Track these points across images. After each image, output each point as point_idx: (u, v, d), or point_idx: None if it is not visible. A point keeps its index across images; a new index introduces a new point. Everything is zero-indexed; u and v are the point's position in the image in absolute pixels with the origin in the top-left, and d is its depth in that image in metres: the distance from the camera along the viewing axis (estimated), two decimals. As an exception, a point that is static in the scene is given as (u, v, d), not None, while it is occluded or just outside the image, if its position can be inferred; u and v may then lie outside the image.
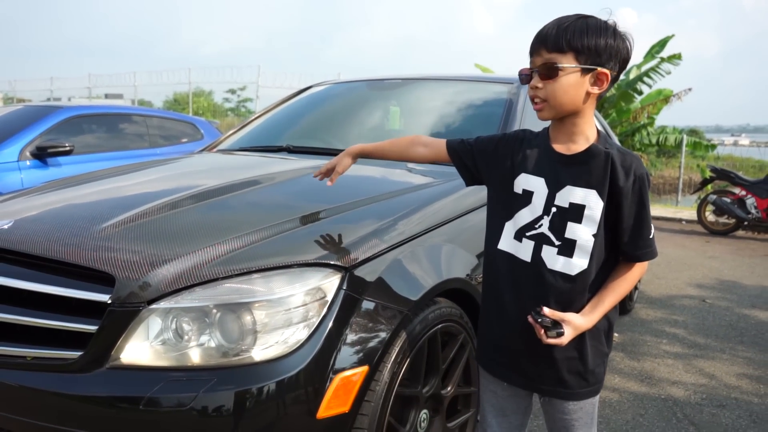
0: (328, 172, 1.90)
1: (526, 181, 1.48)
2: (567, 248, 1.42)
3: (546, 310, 1.40)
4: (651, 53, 13.56)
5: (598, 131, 1.47)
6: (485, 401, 1.65)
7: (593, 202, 1.40)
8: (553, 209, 1.43)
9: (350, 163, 1.88)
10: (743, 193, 8.37)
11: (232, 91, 33.09)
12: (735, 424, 2.80)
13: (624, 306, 4.34)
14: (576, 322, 1.41)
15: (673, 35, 13.87)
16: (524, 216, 1.47)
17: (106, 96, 26.86)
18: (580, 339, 1.46)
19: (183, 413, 1.39)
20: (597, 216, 1.40)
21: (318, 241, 1.68)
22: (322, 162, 2.49)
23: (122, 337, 1.47)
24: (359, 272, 1.63)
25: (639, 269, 1.49)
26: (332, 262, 1.60)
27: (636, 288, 4.71)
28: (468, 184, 1.69)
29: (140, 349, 1.48)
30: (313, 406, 1.47)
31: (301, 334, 1.50)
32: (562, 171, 1.44)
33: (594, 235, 1.41)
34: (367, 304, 1.61)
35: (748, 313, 4.67)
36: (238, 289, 1.52)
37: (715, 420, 2.83)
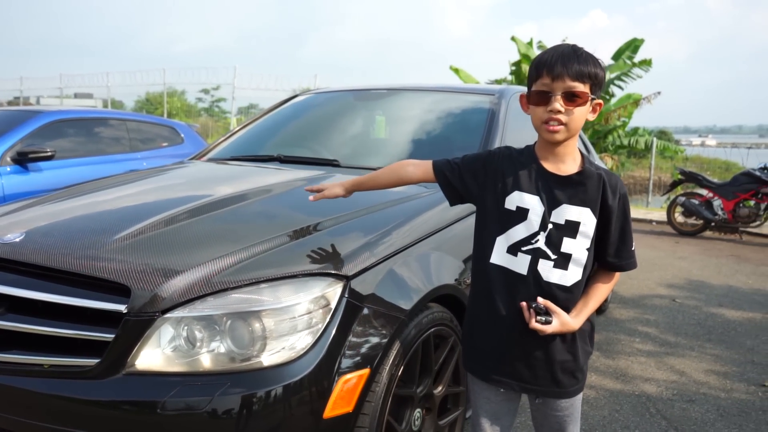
0: (317, 191, 1.97)
1: (520, 199, 1.57)
2: (562, 261, 1.54)
3: (541, 300, 1.53)
4: (620, 55, 13.97)
5: (579, 151, 1.60)
6: (479, 407, 1.72)
7: (588, 219, 1.53)
8: (550, 226, 1.54)
9: (340, 195, 1.94)
10: (710, 195, 8.68)
11: (206, 91, 32.78)
12: (704, 417, 2.98)
13: (600, 307, 4.52)
14: (564, 318, 1.53)
15: (643, 40, 14.30)
16: (519, 232, 1.57)
17: (76, 95, 26.44)
18: (572, 341, 1.59)
19: (198, 416, 1.48)
20: (590, 232, 1.54)
21: (319, 251, 1.79)
22: (313, 173, 2.60)
23: (138, 344, 1.56)
24: (359, 280, 1.74)
25: (617, 277, 1.64)
26: (334, 272, 1.70)
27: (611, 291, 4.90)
28: (452, 204, 1.77)
29: (154, 355, 1.57)
30: (320, 407, 1.58)
31: (307, 339, 1.61)
32: (557, 190, 1.55)
33: (587, 249, 1.54)
34: (367, 311, 1.72)
35: (716, 311, 4.89)
36: (247, 299, 1.61)
37: (685, 414, 3.00)
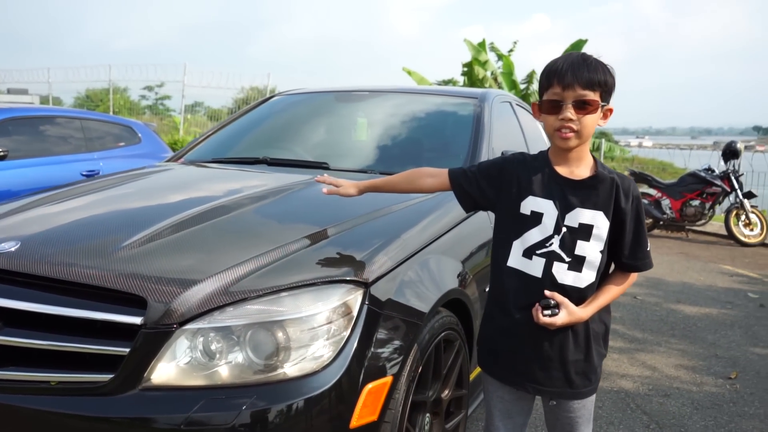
0: (331, 185, 1.91)
1: (534, 203, 1.61)
2: (576, 264, 1.58)
3: (548, 292, 1.56)
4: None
5: (592, 156, 1.64)
6: (493, 406, 1.77)
7: (601, 222, 1.57)
8: (564, 229, 1.58)
9: (354, 194, 1.91)
10: (659, 194, 9.03)
11: (150, 88, 31.76)
12: (680, 411, 3.09)
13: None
14: (571, 308, 1.56)
15: (587, 40, 14.77)
16: (534, 235, 1.60)
17: (9, 91, 25.14)
18: (585, 342, 1.62)
19: (226, 431, 1.43)
20: (604, 234, 1.57)
21: (336, 257, 1.75)
22: (303, 177, 2.52)
23: (155, 358, 1.49)
24: (378, 287, 1.71)
25: (633, 278, 1.68)
26: (354, 278, 1.67)
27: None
28: (467, 211, 1.81)
29: (172, 369, 1.50)
30: (347, 417, 1.55)
31: (331, 348, 1.57)
32: (571, 194, 1.58)
33: (601, 252, 1.58)
34: (387, 318, 1.70)
35: (675, 308, 5.09)
36: (267, 309, 1.56)
37: (663, 409, 3.11)
